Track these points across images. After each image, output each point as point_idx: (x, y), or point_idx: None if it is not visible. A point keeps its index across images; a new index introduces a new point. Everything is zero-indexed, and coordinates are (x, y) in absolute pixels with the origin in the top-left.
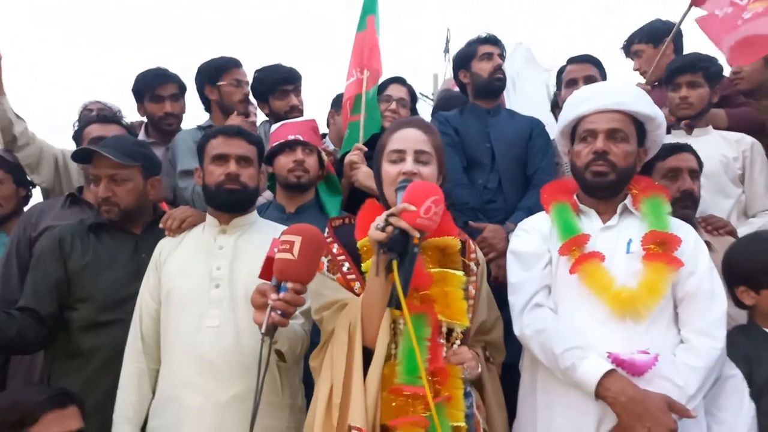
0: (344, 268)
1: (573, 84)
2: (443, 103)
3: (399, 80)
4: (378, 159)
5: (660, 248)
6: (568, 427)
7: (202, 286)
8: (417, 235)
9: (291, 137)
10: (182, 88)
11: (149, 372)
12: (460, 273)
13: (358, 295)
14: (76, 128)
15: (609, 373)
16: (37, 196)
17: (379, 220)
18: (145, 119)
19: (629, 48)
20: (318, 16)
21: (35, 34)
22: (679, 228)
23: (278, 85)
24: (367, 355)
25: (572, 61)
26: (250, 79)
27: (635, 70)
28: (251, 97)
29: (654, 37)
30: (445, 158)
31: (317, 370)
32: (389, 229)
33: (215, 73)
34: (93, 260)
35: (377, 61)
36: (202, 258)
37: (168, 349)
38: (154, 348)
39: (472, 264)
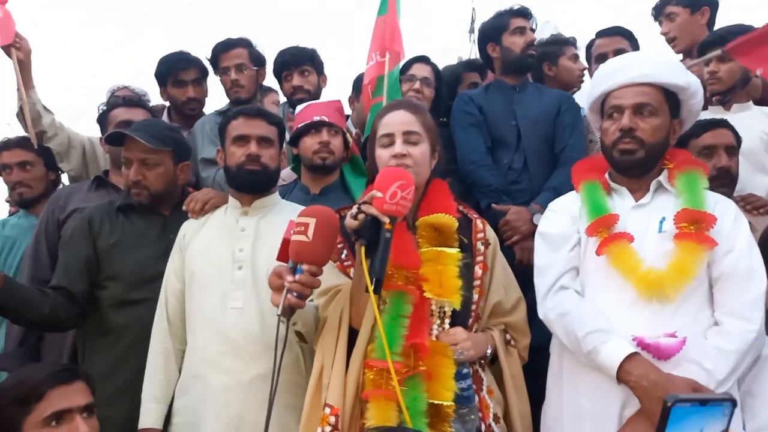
0: (342, 255)
1: (602, 59)
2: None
3: (423, 59)
4: (371, 145)
5: (693, 227)
6: (593, 409)
7: (225, 267)
8: (386, 220)
9: (316, 118)
10: (204, 73)
11: (175, 352)
12: (455, 251)
13: None
14: (101, 111)
15: (631, 357)
16: (64, 182)
17: (354, 208)
18: (167, 103)
19: (662, 9)
20: (319, 7)
21: (34, 34)
22: (717, 203)
23: (282, 69)
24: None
25: (601, 34)
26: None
27: (663, 34)
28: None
29: (693, 1)
30: (470, 137)
31: None
32: (361, 216)
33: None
34: (121, 239)
35: (399, 43)
36: (225, 240)
37: (193, 329)
38: (179, 328)
39: (478, 243)
